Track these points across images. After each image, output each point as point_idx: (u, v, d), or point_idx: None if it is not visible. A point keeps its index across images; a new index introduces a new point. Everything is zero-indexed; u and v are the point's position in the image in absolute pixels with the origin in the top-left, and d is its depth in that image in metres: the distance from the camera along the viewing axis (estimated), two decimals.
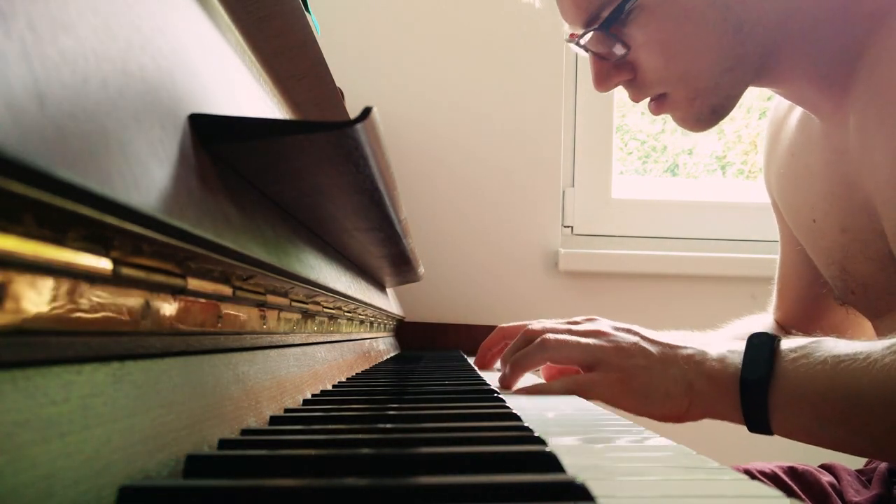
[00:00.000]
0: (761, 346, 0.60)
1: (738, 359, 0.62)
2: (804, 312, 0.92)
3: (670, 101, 0.74)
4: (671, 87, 0.72)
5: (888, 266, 0.66)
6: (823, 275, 0.80)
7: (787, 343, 0.60)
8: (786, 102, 0.81)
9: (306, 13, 0.59)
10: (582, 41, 0.73)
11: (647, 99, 0.76)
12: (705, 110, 0.72)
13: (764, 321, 0.98)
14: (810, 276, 0.85)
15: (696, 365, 0.64)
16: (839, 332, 0.90)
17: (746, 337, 0.62)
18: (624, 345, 0.67)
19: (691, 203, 1.64)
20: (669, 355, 0.65)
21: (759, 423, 0.60)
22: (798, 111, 0.79)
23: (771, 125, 0.87)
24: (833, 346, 0.58)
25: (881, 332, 0.76)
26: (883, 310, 0.74)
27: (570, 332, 0.70)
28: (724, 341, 0.66)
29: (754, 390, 0.59)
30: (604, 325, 0.71)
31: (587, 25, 0.72)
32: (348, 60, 1.50)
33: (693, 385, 0.63)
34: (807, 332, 0.93)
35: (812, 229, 0.79)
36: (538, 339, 0.69)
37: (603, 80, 0.75)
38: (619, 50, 0.72)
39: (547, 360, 0.69)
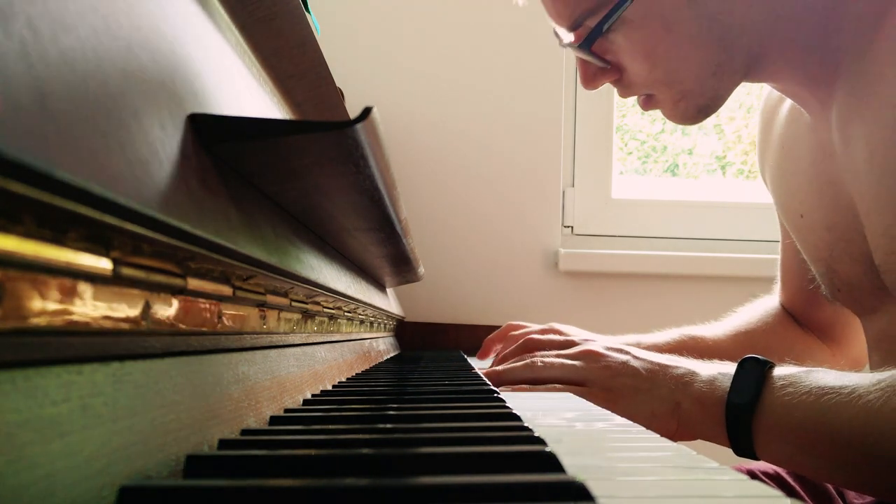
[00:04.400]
0: (750, 372, 0.61)
1: (726, 382, 0.62)
2: (804, 302, 0.93)
3: (657, 101, 0.74)
4: (656, 89, 0.73)
5: (873, 267, 0.66)
6: (812, 270, 0.80)
7: (777, 370, 0.60)
8: (777, 92, 0.81)
9: (306, 13, 0.59)
10: (566, 46, 0.74)
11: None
12: (692, 110, 0.72)
13: (769, 304, 0.98)
14: (808, 269, 0.85)
15: (684, 386, 0.64)
16: (837, 324, 0.91)
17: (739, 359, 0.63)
18: (613, 365, 0.68)
19: (691, 203, 1.64)
20: (659, 375, 0.66)
21: (744, 448, 0.60)
22: (788, 102, 0.79)
23: (763, 114, 0.87)
24: (822, 377, 0.58)
25: (869, 331, 0.76)
26: (869, 308, 0.74)
27: (561, 354, 0.71)
28: (717, 363, 0.66)
29: (740, 416, 0.59)
30: (596, 346, 0.72)
31: (571, 30, 0.72)
32: (348, 60, 1.50)
33: (681, 406, 0.64)
34: (808, 319, 0.94)
35: (800, 224, 0.79)
36: (528, 360, 0.71)
37: (590, 80, 0.75)
38: (600, 63, 0.73)
39: (530, 381, 0.70)
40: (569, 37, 0.74)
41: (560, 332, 0.86)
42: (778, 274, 0.98)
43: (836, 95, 0.66)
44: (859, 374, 0.58)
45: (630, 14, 0.67)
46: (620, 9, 0.67)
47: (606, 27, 0.68)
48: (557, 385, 0.68)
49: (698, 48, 0.68)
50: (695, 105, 0.72)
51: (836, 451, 0.56)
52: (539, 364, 0.70)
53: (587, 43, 0.70)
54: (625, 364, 0.67)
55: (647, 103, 0.75)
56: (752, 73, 0.71)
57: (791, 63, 0.69)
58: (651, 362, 0.67)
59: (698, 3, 0.66)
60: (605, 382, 0.67)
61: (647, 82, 0.72)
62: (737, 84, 0.72)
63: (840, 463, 0.57)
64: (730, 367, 0.63)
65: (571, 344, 0.75)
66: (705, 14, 0.66)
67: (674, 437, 0.64)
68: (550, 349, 0.75)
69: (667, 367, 0.67)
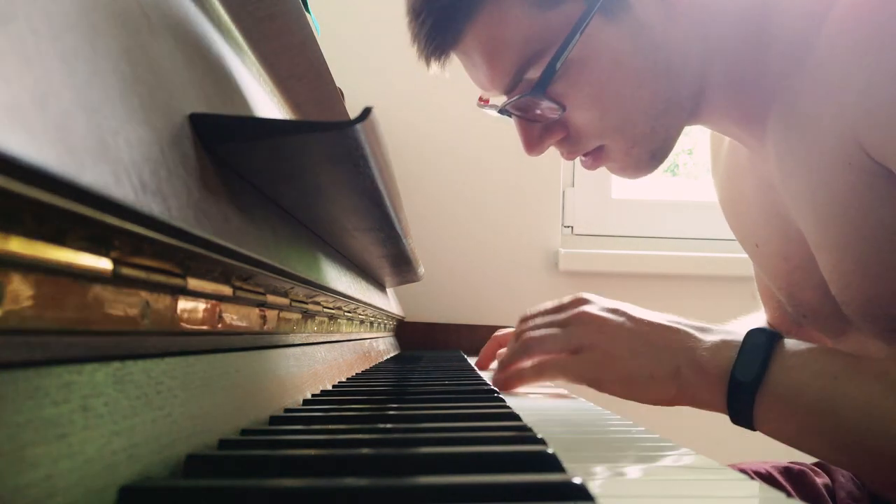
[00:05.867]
0: (758, 347, 0.59)
1: (731, 353, 0.60)
2: (787, 322, 0.92)
3: (608, 153, 0.70)
4: (608, 138, 0.68)
5: (831, 295, 0.64)
6: (778, 297, 0.79)
7: (786, 346, 0.59)
8: None
9: (306, 13, 0.59)
10: (508, 107, 0.69)
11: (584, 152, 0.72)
12: (644, 157, 0.69)
13: (761, 319, 0.98)
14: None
15: (686, 351, 0.62)
16: (820, 341, 0.90)
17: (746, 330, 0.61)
18: (609, 327, 0.65)
19: (691, 203, 1.64)
20: (658, 338, 0.63)
21: (743, 420, 0.59)
22: None
23: (711, 141, 0.85)
24: (828, 360, 0.57)
25: None
26: (837, 332, 0.72)
27: (552, 322, 0.69)
28: (721, 328, 0.64)
29: (743, 391, 0.58)
30: (590, 307, 0.69)
31: (509, 90, 0.68)
32: (348, 60, 1.50)
33: (680, 371, 0.61)
34: (795, 334, 0.93)
35: (756, 253, 0.78)
36: (520, 341, 0.69)
37: (535, 145, 0.71)
38: (552, 113, 0.67)
39: (532, 358, 0.68)
40: (504, 98, 0.69)
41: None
42: (757, 294, 0.96)
43: (770, 132, 0.65)
44: (865, 361, 0.57)
45: (576, 53, 0.63)
46: (572, 42, 0.62)
47: (559, 64, 0.63)
48: (555, 369, 0.66)
49: (648, 82, 0.65)
50: (648, 151, 0.68)
51: (836, 439, 0.55)
52: (532, 338, 0.67)
53: (540, 86, 0.64)
54: (621, 325, 0.65)
55: (596, 159, 0.71)
56: (694, 113, 0.69)
57: (728, 99, 0.67)
58: (649, 323, 0.65)
59: (642, 35, 0.64)
60: (600, 346, 0.64)
61: (598, 131, 0.68)
62: (683, 125, 0.69)
63: (840, 449, 0.56)
64: (735, 335, 0.61)
65: (563, 307, 0.71)
66: (650, 44, 0.64)
67: (672, 402, 0.62)
68: (541, 317, 0.72)
69: (666, 328, 0.64)
